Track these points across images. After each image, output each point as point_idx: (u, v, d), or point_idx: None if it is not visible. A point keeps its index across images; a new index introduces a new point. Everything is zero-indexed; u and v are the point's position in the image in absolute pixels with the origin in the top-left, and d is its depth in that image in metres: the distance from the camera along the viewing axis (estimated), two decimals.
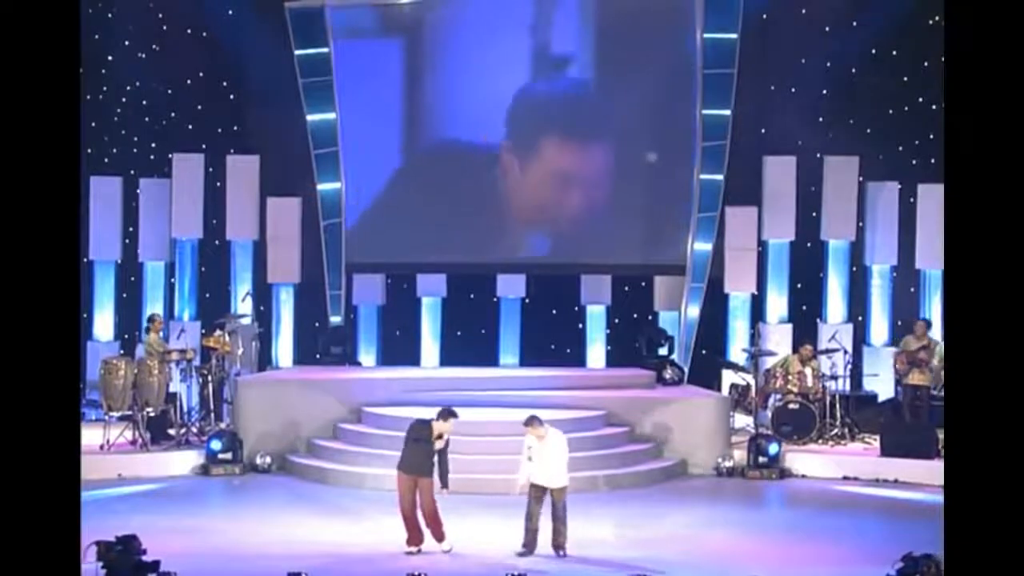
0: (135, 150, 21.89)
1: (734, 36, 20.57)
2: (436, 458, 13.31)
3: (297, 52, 20.95)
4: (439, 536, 13.35)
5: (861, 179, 21.27)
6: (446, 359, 21.63)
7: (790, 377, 18.89)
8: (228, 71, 21.89)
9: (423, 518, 13.30)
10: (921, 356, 18.69)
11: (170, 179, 21.41)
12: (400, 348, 21.91)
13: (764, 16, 21.30)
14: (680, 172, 21.08)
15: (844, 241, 21.43)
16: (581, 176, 21.35)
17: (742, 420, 19.25)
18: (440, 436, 13.32)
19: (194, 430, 18.38)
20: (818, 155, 21.31)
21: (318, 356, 21.04)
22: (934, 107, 20.58)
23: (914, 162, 21.43)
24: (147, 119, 21.86)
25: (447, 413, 13.43)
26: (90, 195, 21.06)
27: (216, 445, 17.46)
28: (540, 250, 21.64)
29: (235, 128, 21.92)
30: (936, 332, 19.04)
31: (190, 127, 21.94)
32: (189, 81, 21.91)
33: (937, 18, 20.12)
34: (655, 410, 18.18)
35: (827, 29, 21.40)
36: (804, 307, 21.66)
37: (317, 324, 21.66)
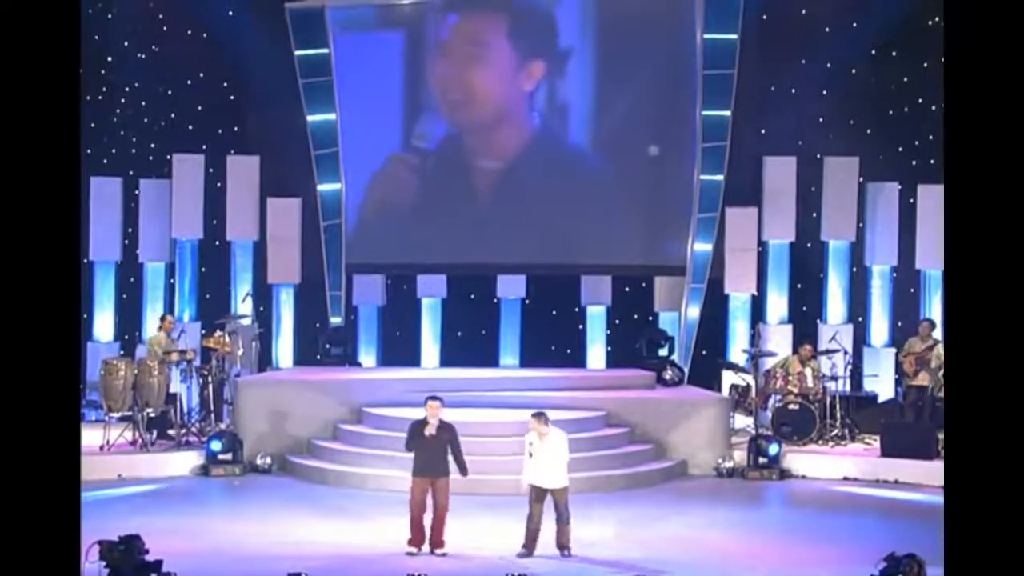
0: (135, 150, 21.84)
1: (734, 36, 20.54)
2: (451, 453, 13.37)
3: (297, 52, 20.91)
4: (439, 541, 13.31)
5: (861, 179, 21.24)
6: (446, 360, 21.58)
7: (790, 378, 18.87)
8: (228, 71, 21.83)
9: (433, 518, 13.29)
10: (926, 356, 18.70)
11: (170, 179, 21.36)
12: (400, 349, 21.87)
13: (764, 16, 21.26)
14: (680, 172, 21.04)
15: (844, 241, 21.40)
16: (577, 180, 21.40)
17: (742, 421, 19.23)
18: (431, 421, 13.33)
19: (194, 431, 18.38)
20: (818, 155, 21.29)
21: (318, 357, 21.02)
22: (934, 107, 20.55)
23: (914, 162, 21.41)
24: (147, 119, 21.81)
25: (428, 398, 13.62)
26: (90, 195, 21.03)
27: (216, 446, 17.46)
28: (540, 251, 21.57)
29: (235, 128, 21.87)
30: (937, 332, 19.02)
31: (190, 127, 21.90)
32: (189, 81, 21.86)
33: (937, 18, 20.10)
34: (655, 411, 18.17)
35: (827, 29, 21.37)
36: (804, 308, 21.62)
37: (317, 325, 21.62)
